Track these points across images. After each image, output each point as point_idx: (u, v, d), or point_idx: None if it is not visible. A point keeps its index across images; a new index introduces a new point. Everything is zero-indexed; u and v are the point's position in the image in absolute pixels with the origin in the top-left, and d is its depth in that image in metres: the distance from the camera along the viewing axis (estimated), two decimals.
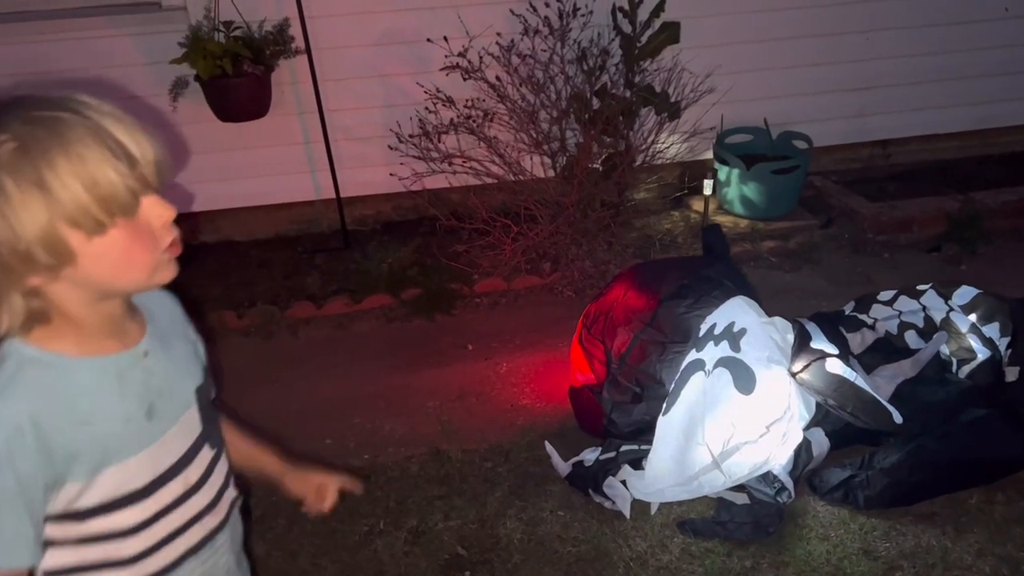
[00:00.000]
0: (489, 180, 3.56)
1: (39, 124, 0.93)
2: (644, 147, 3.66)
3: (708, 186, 3.78)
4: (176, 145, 3.51)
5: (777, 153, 3.94)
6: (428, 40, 3.44)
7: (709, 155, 3.99)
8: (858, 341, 2.63)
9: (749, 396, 2.18)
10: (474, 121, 3.47)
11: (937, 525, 2.25)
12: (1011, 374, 2.50)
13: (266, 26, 3.40)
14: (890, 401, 2.30)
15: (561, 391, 2.77)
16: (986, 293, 2.66)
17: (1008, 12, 4.11)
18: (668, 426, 2.27)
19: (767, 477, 2.25)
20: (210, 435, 1.22)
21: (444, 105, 3.48)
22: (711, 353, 2.28)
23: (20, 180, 0.91)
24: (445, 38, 3.41)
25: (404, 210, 4.02)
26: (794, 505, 2.30)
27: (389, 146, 3.55)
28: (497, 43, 3.46)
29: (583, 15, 3.47)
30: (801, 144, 3.94)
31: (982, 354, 2.53)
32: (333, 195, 3.73)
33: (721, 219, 3.85)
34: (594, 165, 3.59)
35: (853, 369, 2.30)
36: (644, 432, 2.41)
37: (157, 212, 1.01)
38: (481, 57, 3.44)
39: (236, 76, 3.26)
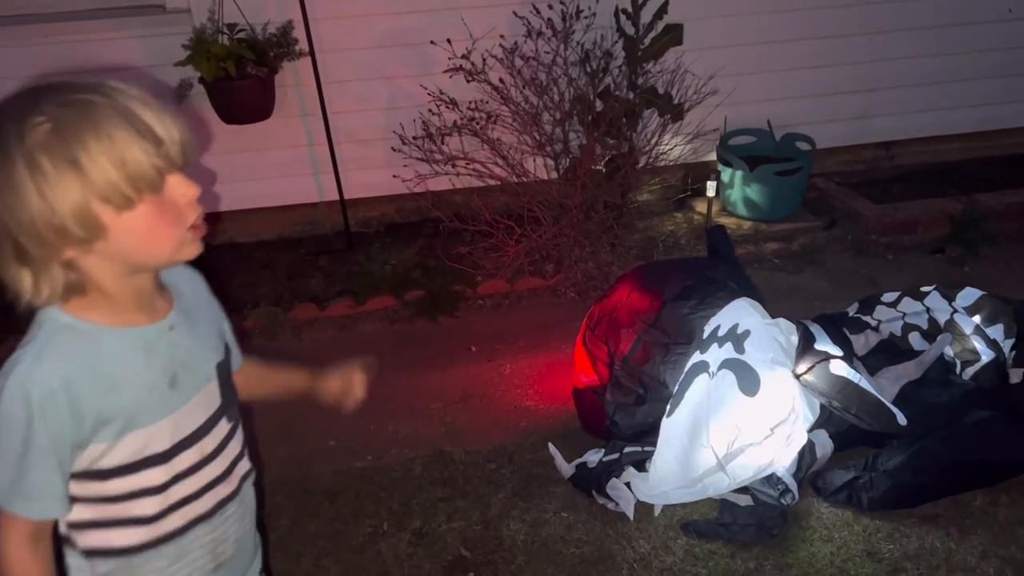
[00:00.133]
0: (492, 182, 3.57)
1: (72, 107, 0.99)
2: (647, 149, 3.67)
3: (711, 188, 3.77)
4: None
5: (780, 155, 3.94)
6: (431, 42, 3.45)
7: (712, 157, 3.99)
8: (862, 343, 2.63)
9: (753, 398, 2.18)
10: (477, 123, 3.48)
11: (941, 527, 2.25)
12: (1015, 376, 2.50)
13: (270, 28, 3.40)
14: (894, 403, 2.30)
15: (565, 393, 2.77)
16: (990, 295, 2.65)
17: (1012, 13, 4.10)
18: (672, 428, 2.27)
19: (771, 479, 2.25)
20: (228, 409, 1.28)
21: (447, 107, 3.49)
22: (715, 355, 2.28)
23: (55, 159, 0.98)
24: (448, 40, 3.42)
25: (407, 212, 4.02)
26: (798, 507, 2.30)
27: (393, 148, 3.55)
28: (500, 45, 3.46)
29: (586, 17, 3.48)
30: (804, 146, 3.94)
31: (986, 356, 2.52)
32: (337, 197, 3.74)
33: (724, 221, 3.85)
34: (597, 167, 3.59)
35: (857, 371, 2.29)
36: (647, 434, 2.41)
37: (182, 190, 1.08)
38: (484, 59, 3.44)
39: (240, 78, 3.27)
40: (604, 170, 3.63)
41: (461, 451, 2.60)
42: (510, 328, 3.28)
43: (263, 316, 3.34)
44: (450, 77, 3.45)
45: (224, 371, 1.28)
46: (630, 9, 3.51)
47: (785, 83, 4.04)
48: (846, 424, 2.31)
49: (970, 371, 2.52)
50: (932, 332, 2.62)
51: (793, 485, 2.26)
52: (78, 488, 1.15)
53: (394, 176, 3.64)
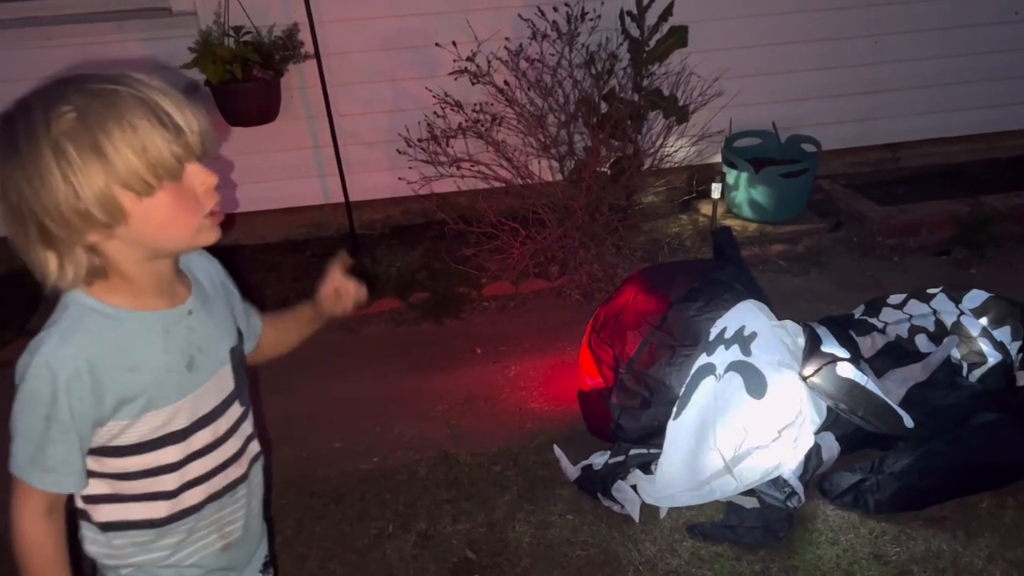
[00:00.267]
0: (497, 184, 3.57)
1: (96, 96, 1.04)
2: (652, 151, 3.66)
3: (716, 190, 3.77)
4: None
5: (786, 156, 3.93)
6: (437, 45, 3.46)
7: (717, 159, 3.98)
8: (868, 345, 2.62)
9: (760, 400, 2.18)
10: (482, 125, 3.48)
11: (947, 529, 2.24)
12: (1022, 378, 2.50)
13: (276, 31, 3.41)
14: (900, 405, 2.30)
15: (570, 395, 2.77)
16: (997, 297, 2.65)
17: (1018, 16, 4.10)
18: (679, 431, 2.27)
19: (777, 481, 2.24)
20: (240, 393, 1.33)
21: (452, 109, 3.49)
22: (722, 357, 2.28)
23: (80, 146, 1.02)
24: (454, 43, 3.42)
25: (412, 214, 4.02)
26: (804, 509, 2.30)
27: (398, 150, 3.56)
28: (505, 47, 3.47)
29: (591, 19, 3.48)
30: (810, 147, 3.94)
31: (993, 358, 2.52)
32: (342, 199, 3.74)
33: (729, 223, 3.84)
34: (602, 169, 3.59)
35: (864, 373, 2.29)
36: (652, 437, 2.40)
37: (200, 178, 1.12)
38: (489, 61, 3.44)
39: (246, 81, 3.28)
40: (609, 172, 3.63)
41: (466, 453, 2.60)
42: (515, 330, 3.28)
43: None
44: (455, 79, 3.46)
45: (237, 356, 1.32)
46: (635, 11, 3.51)
47: (790, 85, 4.04)
48: (852, 426, 2.31)
49: (977, 373, 2.52)
50: (939, 334, 2.61)
51: (799, 488, 2.25)
52: (95, 464, 1.20)
53: (399, 178, 3.65)
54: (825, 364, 2.26)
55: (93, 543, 1.28)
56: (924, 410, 2.35)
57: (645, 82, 3.62)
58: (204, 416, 1.25)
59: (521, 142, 3.53)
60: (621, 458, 2.40)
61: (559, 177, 3.61)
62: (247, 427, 1.36)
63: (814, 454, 2.30)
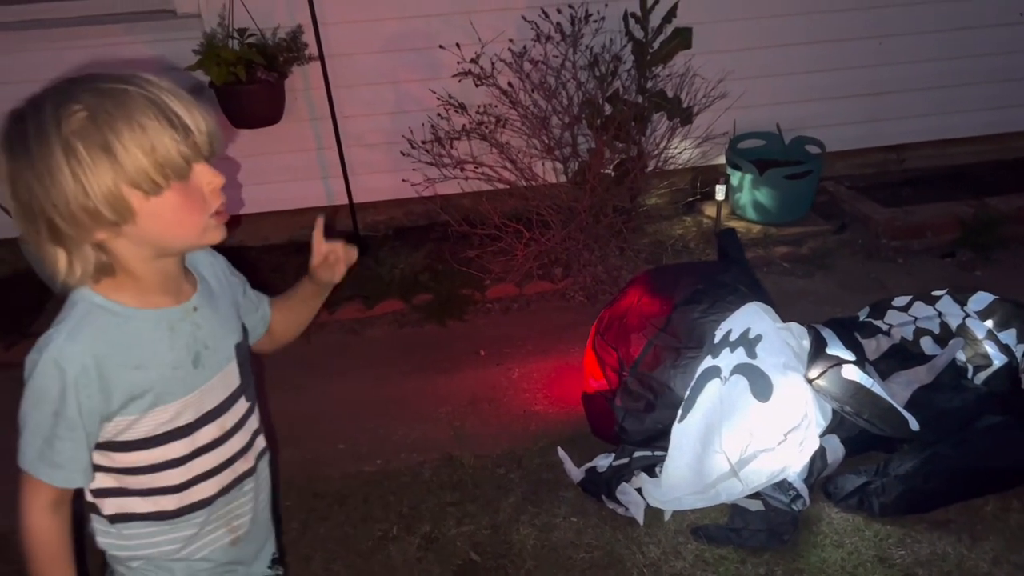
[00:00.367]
0: (501, 186, 3.57)
1: (107, 96, 1.05)
2: (656, 152, 3.66)
3: (720, 191, 3.77)
4: None
5: (790, 158, 3.92)
6: (440, 47, 3.46)
7: (721, 160, 3.98)
8: (873, 347, 2.62)
9: (766, 403, 2.18)
10: (486, 127, 3.48)
11: (952, 532, 2.24)
12: None
13: (280, 33, 3.41)
14: (906, 408, 2.30)
15: (574, 397, 2.76)
16: (1002, 299, 2.64)
17: (1022, 17, 4.08)
18: (684, 434, 2.26)
19: (782, 484, 2.24)
20: (247, 389, 1.35)
21: (456, 111, 3.49)
22: (727, 360, 2.27)
23: (89, 145, 1.04)
24: (457, 44, 3.42)
25: (416, 216, 4.02)
26: (808, 512, 2.29)
27: (402, 152, 3.56)
28: (509, 49, 3.47)
29: (595, 21, 3.48)
30: (814, 149, 3.93)
31: (998, 360, 2.51)
32: (346, 201, 3.74)
33: (733, 224, 3.83)
34: (606, 170, 3.59)
35: (869, 376, 2.29)
36: (656, 439, 2.40)
37: (207, 178, 1.14)
38: (493, 63, 3.44)
39: (250, 83, 3.28)
40: (613, 174, 3.63)
41: (470, 455, 2.60)
42: (519, 332, 3.28)
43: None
44: (459, 81, 3.46)
45: (242, 351, 1.34)
46: (639, 13, 3.51)
47: (794, 86, 4.03)
48: (857, 429, 2.30)
49: (982, 376, 2.51)
50: (944, 336, 2.60)
51: (804, 490, 2.25)
52: (102, 458, 1.22)
53: (403, 180, 3.65)
54: (830, 367, 2.25)
55: (104, 535, 1.30)
56: (929, 413, 2.35)
57: (649, 84, 3.61)
58: (210, 411, 1.27)
59: (525, 144, 3.53)
60: (625, 460, 2.39)
61: (563, 179, 3.61)
62: (253, 422, 1.38)
63: (819, 457, 2.30)
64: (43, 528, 1.20)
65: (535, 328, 3.30)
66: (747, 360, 2.24)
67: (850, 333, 2.58)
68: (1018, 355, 2.52)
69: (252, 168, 3.70)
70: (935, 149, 4.35)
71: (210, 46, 3.27)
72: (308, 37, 3.43)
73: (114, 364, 1.14)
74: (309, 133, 3.72)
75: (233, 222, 1.25)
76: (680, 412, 2.30)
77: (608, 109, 3.56)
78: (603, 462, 2.43)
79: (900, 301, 2.74)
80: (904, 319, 2.67)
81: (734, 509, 2.28)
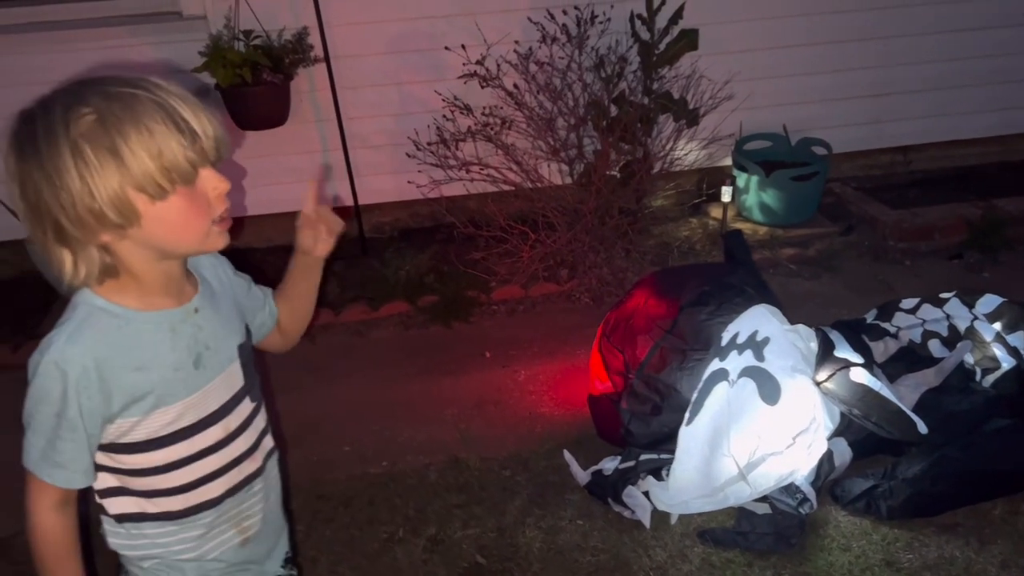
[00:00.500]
0: (506, 187, 3.56)
1: (116, 99, 1.06)
2: (662, 154, 3.65)
3: (727, 193, 3.76)
4: None
5: (796, 159, 3.91)
6: (446, 48, 3.46)
7: (728, 162, 3.97)
8: (881, 350, 2.61)
9: (774, 406, 2.17)
10: (491, 128, 3.48)
11: (961, 536, 2.22)
12: None
13: (285, 35, 3.42)
14: (914, 411, 2.28)
15: (580, 399, 2.76)
16: (1011, 301, 2.63)
17: None
18: (691, 437, 2.25)
19: (789, 488, 2.22)
20: (251, 389, 1.35)
21: (461, 113, 3.49)
22: (735, 363, 2.27)
23: (97, 148, 1.04)
24: (463, 46, 3.42)
25: (421, 217, 4.02)
26: (816, 515, 2.28)
27: (407, 154, 3.55)
28: (515, 51, 3.46)
29: (601, 22, 3.48)
30: (821, 150, 3.92)
31: (1007, 363, 2.50)
32: (351, 203, 3.75)
33: (740, 226, 3.83)
34: (612, 172, 3.58)
35: (877, 378, 2.28)
36: (663, 442, 2.39)
37: (213, 183, 1.14)
38: (499, 65, 3.44)
39: (255, 85, 3.29)
40: (619, 175, 3.62)
41: (476, 457, 2.60)
42: (524, 334, 3.28)
43: None
44: (464, 83, 3.45)
45: (246, 352, 1.34)
46: (645, 14, 3.50)
47: (801, 87, 4.02)
48: (865, 432, 2.29)
49: (990, 378, 2.50)
50: (952, 339, 2.59)
51: (811, 494, 2.24)
52: (106, 459, 1.23)
53: (408, 182, 3.65)
54: (839, 369, 2.24)
55: (114, 536, 1.31)
56: (937, 416, 2.33)
57: (655, 85, 3.61)
58: (213, 413, 1.27)
59: (530, 145, 3.53)
60: (631, 463, 2.39)
61: (568, 180, 3.61)
62: (260, 422, 1.38)
63: (826, 460, 2.29)
64: (49, 527, 1.20)
65: (541, 330, 3.29)
66: (755, 363, 2.23)
67: (858, 335, 2.57)
68: None
69: (258, 170, 3.71)
70: (942, 150, 4.34)
71: (216, 48, 3.27)
72: (313, 39, 3.43)
73: (114, 366, 1.15)
74: (314, 135, 3.72)
75: (237, 224, 1.25)
76: (687, 415, 2.29)
77: (614, 110, 3.55)
78: (609, 465, 2.42)
79: (908, 303, 2.72)
80: (912, 321, 2.66)
81: (741, 512, 2.27)
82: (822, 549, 2.21)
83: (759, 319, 2.34)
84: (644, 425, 2.41)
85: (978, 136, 4.33)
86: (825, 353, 2.30)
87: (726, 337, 2.35)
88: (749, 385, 2.20)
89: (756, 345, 2.26)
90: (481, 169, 3.52)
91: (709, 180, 4.01)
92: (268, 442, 1.41)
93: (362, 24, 3.56)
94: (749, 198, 3.85)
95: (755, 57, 3.87)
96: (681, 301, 2.49)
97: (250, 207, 3.78)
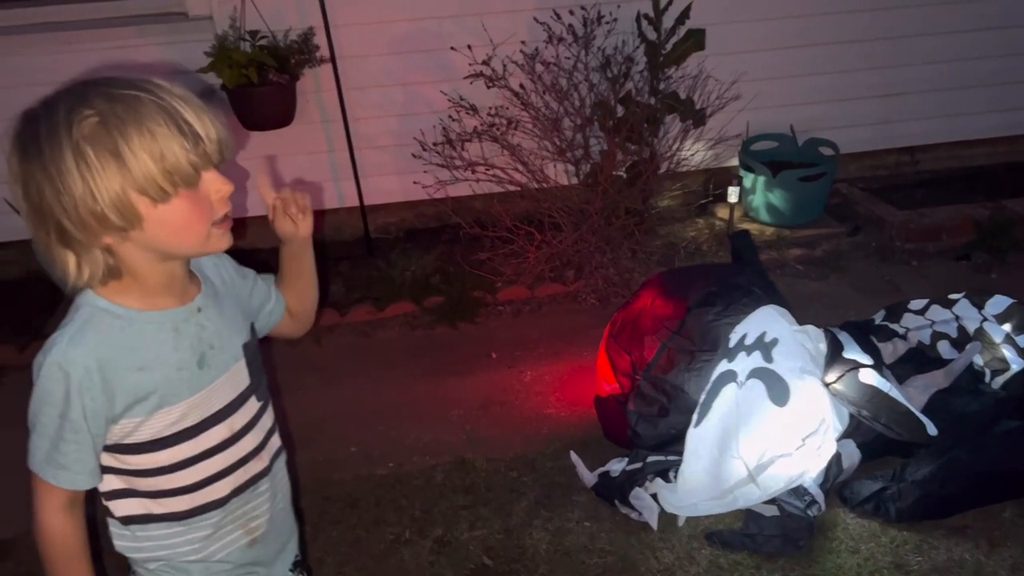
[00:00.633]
0: (512, 188, 3.56)
1: (118, 101, 1.05)
2: (669, 154, 3.64)
3: (733, 193, 3.75)
4: None
5: (803, 160, 3.90)
6: (452, 48, 3.45)
7: (734, 162, 3.96)
8: (890, 351, 2.59)
9: (784, 408, 2.16)
10: (497, 129, 3.47)
11: (970, 539, 2.21)
12: None
13: (291, 35, 3.41)
14: (923, 412, 2.27)
15: (586, 400, 2.75)
16: (1021, 303, 2.61)
17: None
18: (700, 439, 2.24)
19: (797, 490, 2.21)
20: (257, 388, 1.34)
21: (467, 113, 3.48)
22: (743, 364, 2.26)
23: (99, 150, 1.04)
24: (469, 46, 3.41)
25: (427, 218, 4.02)
26: (824, 517, 2.27)
27: (413, 154, 3.55)
28: (521, 51, 3.45)
29: (607, 22, 3.47)
30: (828, 151, 3.91)
31: (1016, 365, 2.48)
32: (357, 203, 3.74)
33: (746, 227, 3.82)
34: (618, 172, 3.58)
35: (886, 380, 2.26)
36: (670, 444, 2.38)
37: (216, 186, 1.14)
38: (505, 65, 3.43)
39: (261, 85, 3.28)
40: (625, 176, 3.61)
41: (483, 459, 2.59)
42: (531, 335, 3.27)
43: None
44: (470, 83, 3.45)
45: (251, 351, 1.33)
46: (652, 14, 3.49)
47: (808, 88, 4.01)
48: (873, 434, 2.28)
49: (1000, 380, 2.49)
50: (961, 340, 2.58)
51: (820, 496, 2.23)
52: (112, 460, 1.22)
53: (414, 182, 3.65)
54: (848, 371, 2.23)
55: (120, 538, 1.31)
56: (947, 417, 2.32)
57: (662, 85, 3.60)
58: (218, 412, 1.27)
59: (536, 146, 3.52)
60: (639, 465, 2.38)
61: (575, 181, 3.60)
62: (267, 421, 1.37)
63: (835, 462, 2.27)
64: (57, 529, 1.20)
65: (547, 331, 3.29)
66: (763, 364, 2.22)
67: (866, 336, 2.55)
68: None
69: (263, 170, 3.70)
70: (949, 151, 4.32)
71: (222, 48, 3.27)
72: (319, 39, 3.43)
73: (117, 367, 1.15)
74: (320, 135, 3.72)
75: (241, 225, 1.24)
76: (695, 417, 2.28)
77: (620, 111, 3.54)
78: (616, 466, 2.41)
79: (916, 304, 2.71)
80: (921, 322, 2.65)
81: (749, 514, 2.26)
82: (830, 551, 2.20)
83: (767, 320, 2.33)
84: (651, 427, 2.40)
85: (986, 136, 4.31)
86: (834, 354, 2.29)
87: (734, 338, 2.34)
88: (758, 386, 2.19)
89: (765, 346, 2.25)
90: (487, 169, 3.52)
91: (716, 180, 4.00)
92: (275, 442, 1.41)
93: (368, 24, 3.56)
94: (756, 199, 3.84)
95: (762, 57, 3.86)
96: (688, 302, 2.48)
97: (254, 207, 3.77)
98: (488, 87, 3.42)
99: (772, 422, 2.16)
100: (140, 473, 1.24)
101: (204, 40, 3.33)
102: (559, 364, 3.06)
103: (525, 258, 3.43)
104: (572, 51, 3.45)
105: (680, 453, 2.31)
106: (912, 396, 2.40)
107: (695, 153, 3.78)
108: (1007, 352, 2.51)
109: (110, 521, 1.30)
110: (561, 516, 2.36)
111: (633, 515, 2.32)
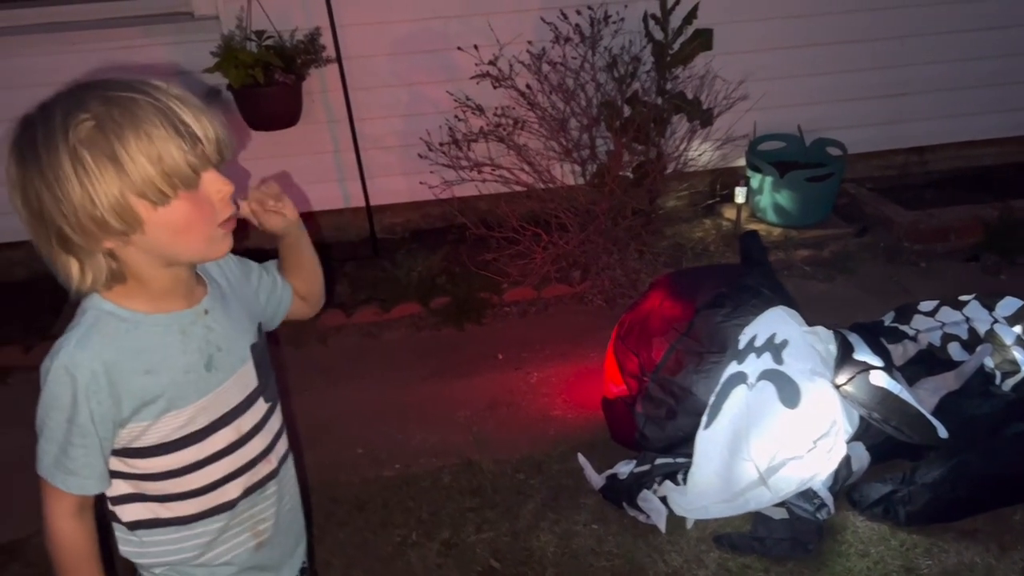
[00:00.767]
0: (519, 188, 3.55)
1: (115, 104, 1.04)
2: (676, 154, 3.63)
3: (740, 194, 3.74)
4: None
5: (811, 160, 3.89)
6: (458, 48, 3.44)
7: (742, 162, 3.95)
8: (900, 353, 2.58)
9: (795, 410, 2.14)
10: (504, 129, 3.46)
11: (980, 542, 2.20)
12: None
13: (297, 35, 3.41)
14: (933, 414, 2.26)
15: (593, 401, 2.74)
16: None
17: None
18: (710, 441, 2.23)
19: (806, 493, 2.20)
20: (265, 390, 1.33)
21: (474, 113, 3.47)
22: (753, 366, 2.24)
23: (96, 155, 1.03)
24: (475, 46, 3.40)
25: (432, 218, 4.01)
26: (833, 520, 2.26)
27: (419, 154, 3.54)
28: (528, 51, 3.44)
29: (614, 22, 3.46)
30: (835, 151, 3.89)
31: None
32: (362, 203, 3.74)
33: (754, 227, 3.80)
34: (625, 173, 3.56)
35: (897, 382, 2.25)
36: (677, 447, 2.37)
37: (216, 187, 1.12)
38: (511, 65, 3.42)
39: (267, 85, 3.28)
40: (632, 176, 3.60)
41: (489, 460, 2.58)
42: (537, 336, 3.26)
43: (290, 323, 3.31)
44: (477, 83, 3.44)
45: (259, 352, 1.32)
46: (659, 14, 3.48)
47: (816, 87, 4.00)
48: (883, 436, 2.27)
49: (1010, 382, 2.47)
50: (972, 342, 2.56)
51: (829, 499, 2.22)
52: (120, 464, 1.22)
53: (420, 183, 3.64)
54: (858, 372, 2.22)
55: (126, 543, 1.30)
56: (957, 420, 2.30)
57: (669, 85, 3.59)
58: (225, 414, 1.26)
59: (543, 146, 3.51)
60: (646, 467, 2.37)
61: (581, 181, 3.59)
62: (275, 423, 1.36)
63: (844, 465, 2.26)
64: (67, 534, 1.20)
65: (553, 332, 3.28)
66: (774, 366, 2.21)
67: (876, 338, 2.54)
68: None
69: (269, 170, 3.69)
70: (958, 151, 4.30)
71: (228, 48, 3.27)
72: (326, 39, 3.42)
73: (123, 370, 1.14)
74: (326, 135, 3.71)
75: (243, 226, 1.22)
76: (705, 419, 2.27)
77: (627, 111, 3.53)
78: (624, 469, 2.40)
79: (927, 306, 2.70)
80: (931, 324, 2.63)
81: (757, 517, 2.24)
82: (840, 555, 2.19)
83: (777, 321, 2.32)
84: (659, 429, 2.39)
85: (994, 137, 4.29)
86: (844, 356, 2.28)
87: (743, 340, 2.33)
88: (768, 388, 2.18)
89: (775, 348, 2.24)
90: (493, 170, 3.51)
91: (723, 181, 3.99)
92: (283, 444, 1.40)
93: (374, 24, 3.55)
94: (763, 199, 3.82)
95: (769, 57, 3.84)
96: (697, 303, 2.47)
97: None
98: (494, 87, 3.41)
99: (783, 424, 2.15)
100: (148, 477, 1.23)
101: (210, 40, 3.33)
102: (566, 365, 3.05)
103: (531, 259, 3.42)
104: (579, 51, 3.44)
105: (688, 455, 2.30)
106: (922, 398, 2.39)
107: (702, 153, 3.77)
108: (1018, 354, 2.49)
109: (116, 527, 1.29)
110: (568, 519, 2.35)
111: (641, 518, 2.30)
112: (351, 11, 3.45)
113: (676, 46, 3.53)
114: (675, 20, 3.49)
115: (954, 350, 2.57)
